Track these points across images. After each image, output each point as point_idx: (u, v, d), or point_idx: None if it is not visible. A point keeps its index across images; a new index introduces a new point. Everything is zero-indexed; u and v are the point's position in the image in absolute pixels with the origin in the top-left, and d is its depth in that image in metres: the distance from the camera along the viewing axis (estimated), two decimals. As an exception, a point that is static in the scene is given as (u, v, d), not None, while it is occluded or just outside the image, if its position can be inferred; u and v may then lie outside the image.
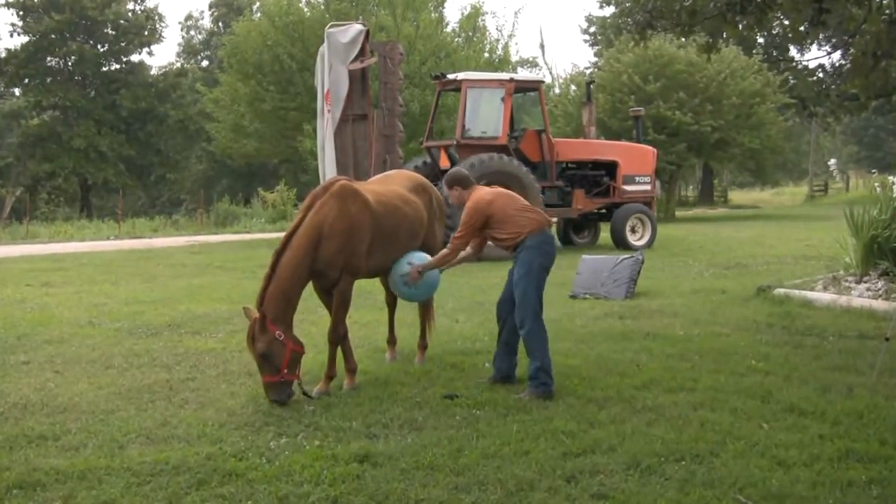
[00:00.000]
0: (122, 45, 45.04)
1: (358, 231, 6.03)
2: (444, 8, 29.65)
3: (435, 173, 14.98)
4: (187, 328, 8.62)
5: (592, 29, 52.37)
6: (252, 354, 5.76)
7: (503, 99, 16.08)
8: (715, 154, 34.16)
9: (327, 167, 15.17)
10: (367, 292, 9.71)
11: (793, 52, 42.56)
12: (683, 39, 19.62)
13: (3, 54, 42.92)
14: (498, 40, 29.49)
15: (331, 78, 15.27)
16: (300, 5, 27.37)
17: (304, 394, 5.81)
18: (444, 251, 6.30)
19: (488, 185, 6.60)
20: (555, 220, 17.87)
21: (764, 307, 9.17)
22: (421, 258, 6.43)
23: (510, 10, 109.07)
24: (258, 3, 34.33)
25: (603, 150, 18.05)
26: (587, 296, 10.28)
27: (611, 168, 17.59)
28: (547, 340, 5.97)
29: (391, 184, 6.80)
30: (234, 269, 14.34)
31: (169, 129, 45.26)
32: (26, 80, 43.92)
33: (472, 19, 28.75)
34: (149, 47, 46.80)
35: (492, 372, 6.29)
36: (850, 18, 8.69)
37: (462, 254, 6.28)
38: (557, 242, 18.03)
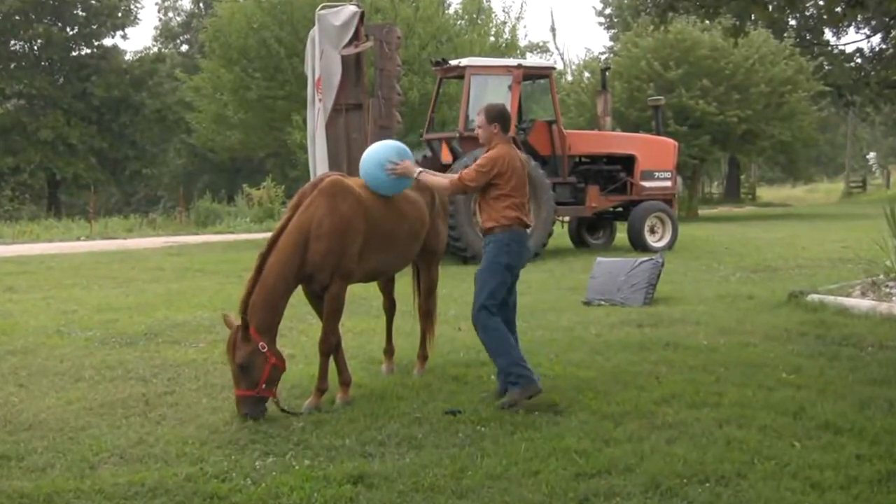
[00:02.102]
0: (94, 27, 45.04)
1: (349, 231, 6.02)
2: (445, -13, 29.72)
3: (436, 168, 14.99)
4: (165, 337, 8.62)
5: (608, 11, 52.46)
6: (230, 364, 5.79)
7: (510, 87, 16.07)
8: (742, 147, 34.15)
9: (318, 161, 15.16)
10: (361, 298, 9.72)
11: (828, 35, 42.55)
12: (708, 22, 19.62)
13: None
14: (505, 23, 29.57)
15: (322, 64, 15.25)
16: (288, -16, 27.42)
17: (283, 411, 5.80)
18: (444, 182, 6.37)
19: None
20: (567, 219, 17.90)
21: (796, 315, 9.16)
22: (401, 155, 6.26)
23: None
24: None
25: (619, 143, 18.03)
26: (602, 302, 10.28)
27: (628, 162, 17.57)
28: (507, 336, 6.08)
29: (389, 179, 6.79)
30: (216, 273, 14.36)
31: (145, 119, 45.21)
32: (-13, 66, 44.05)
33: (477, 0, 28.78)
34: (123, 30, 46.97)
35: (497, 385, 6.30)
36: (890, -1, 8.70)
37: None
38: (572, 244, 18.14)
